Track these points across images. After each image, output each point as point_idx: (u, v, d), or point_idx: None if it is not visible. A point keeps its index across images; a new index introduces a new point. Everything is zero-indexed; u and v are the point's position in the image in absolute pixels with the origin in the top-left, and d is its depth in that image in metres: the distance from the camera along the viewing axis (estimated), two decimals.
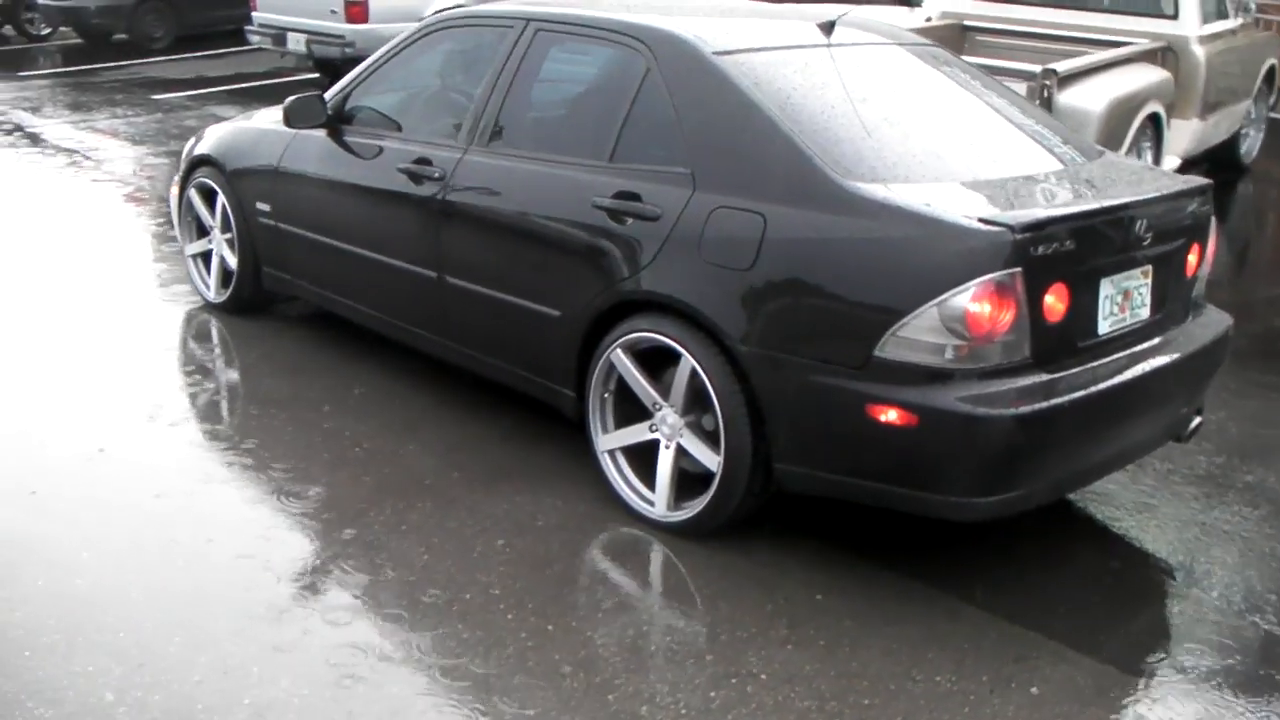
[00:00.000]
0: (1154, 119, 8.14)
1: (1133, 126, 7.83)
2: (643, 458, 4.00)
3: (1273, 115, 11.39)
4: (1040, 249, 3.35)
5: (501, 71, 4.50)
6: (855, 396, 3.41)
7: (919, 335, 3.31)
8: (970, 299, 3.26)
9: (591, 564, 3.73)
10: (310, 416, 4.69)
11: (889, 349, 3.35)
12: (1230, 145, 10.05)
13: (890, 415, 3.36)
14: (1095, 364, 3.59)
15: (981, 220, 3.34)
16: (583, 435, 4.15)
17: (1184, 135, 8.75)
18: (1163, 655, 3.38)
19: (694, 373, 3.72)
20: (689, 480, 3.88)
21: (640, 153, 3.99)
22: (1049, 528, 3.97)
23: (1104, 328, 3.65)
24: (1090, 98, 7.47)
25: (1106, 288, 3.63)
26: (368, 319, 5.13)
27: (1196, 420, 4.12)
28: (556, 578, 3.60)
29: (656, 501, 3.91)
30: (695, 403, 3.81)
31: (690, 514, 3.83)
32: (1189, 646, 3.41)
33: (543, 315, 4.20)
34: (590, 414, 4.09)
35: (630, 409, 4.03)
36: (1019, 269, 3.30)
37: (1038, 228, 3.34)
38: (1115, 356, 3.67)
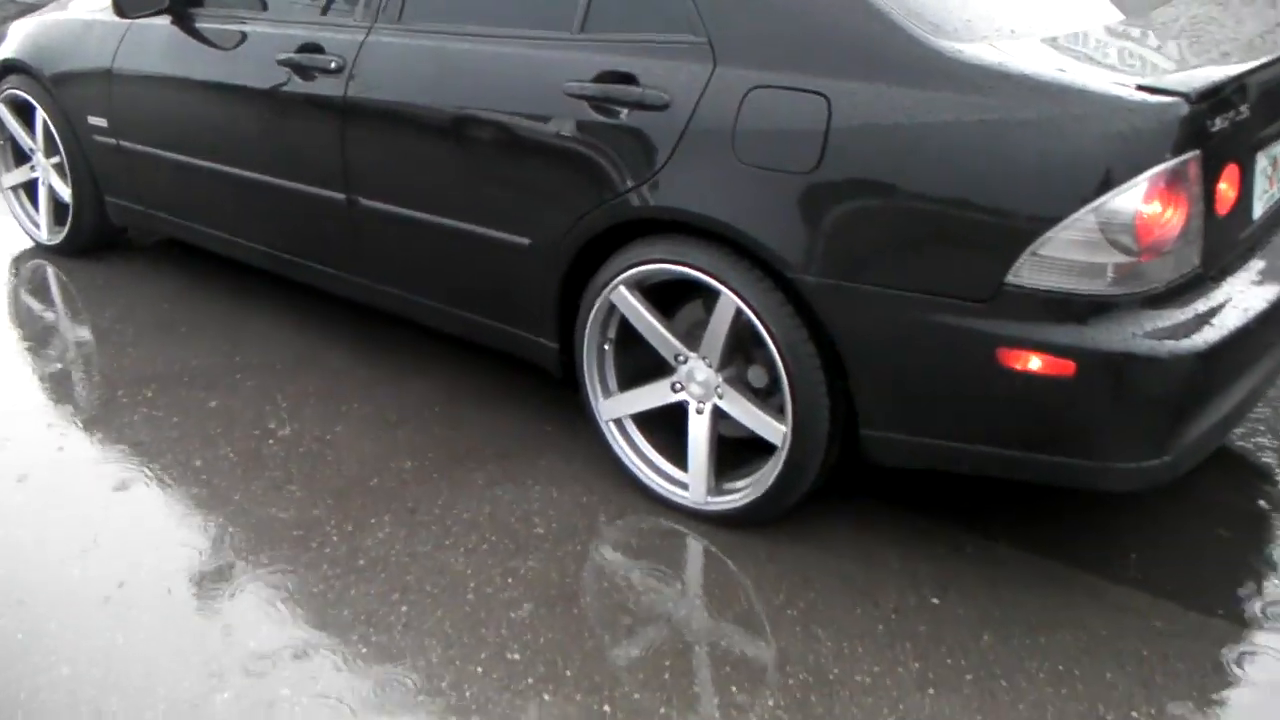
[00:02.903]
0: None
1: None
2: (660, 422, 3.07)
3: None
4: (1218, 122, 2.44)
5: None
6: (980, 339, 2.49)
7: (1070, 252, 2.40)
8: (1142, 198, 2.35)
9: (627, 590, 2.75)
10: (198, 396, 3.61)
11: (1026, 273, 2.42)
12: None
13: (1033, 363, 2.46)
14: (1261, 262, 2.74)
15: (1142, 89, 2.40)
16: (558, 390, 3.19)
17: None
18: None
19: (738, 315, 2.76)
20: (728, 446, 2.97)
21: (626, 18, 2.94)
22: None
23: (1258, 210, 2.79)
24: None
25: (1261, 160, 2.76)
26: (253, 255, 4.03)
27: None
28: (586, 621, 2.63)
29: (691, 484, 2.98)
30: (735, 351, 2.88)
31: (742, 500, 2.90)
32: None
33: (504, 244, 3.17)
34: (584, 372, 3.11)
35: (637, 360, 3.08)
36: (1197, 151, 2.40)
37: (1214, 93, 2.42)
38: (1273, 243, 2.84)
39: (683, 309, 3.06)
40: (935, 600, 2.70)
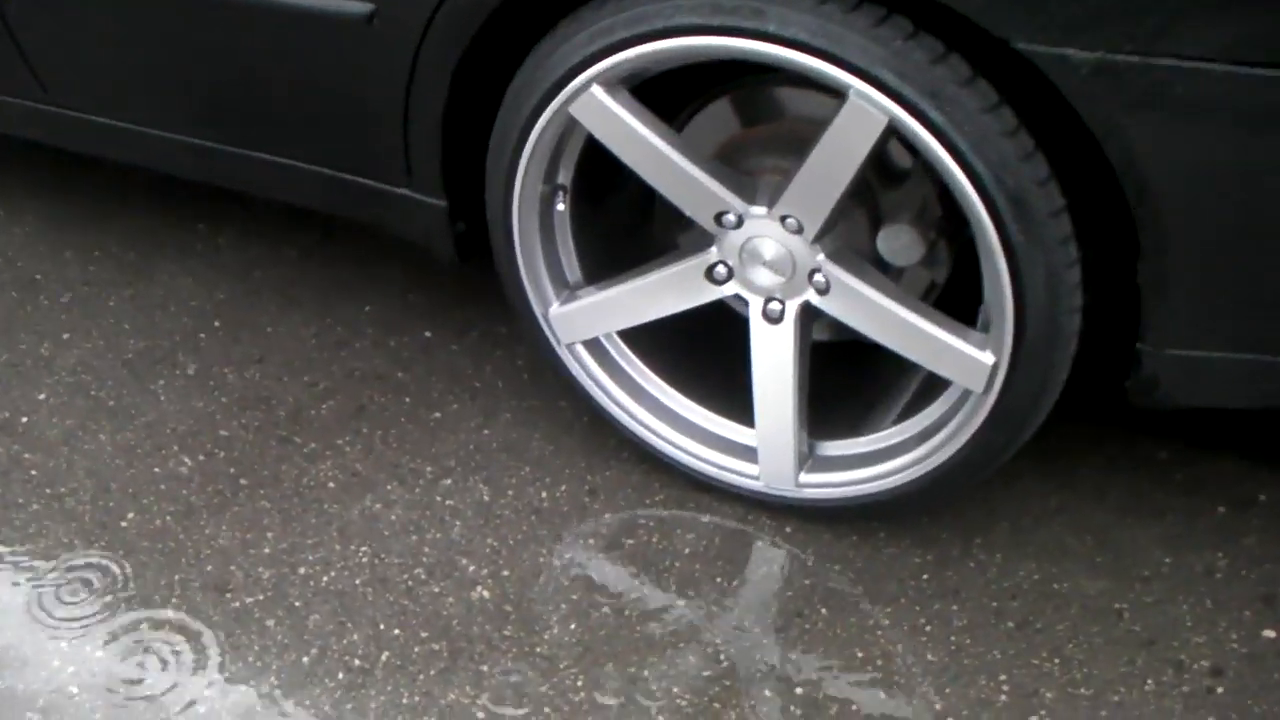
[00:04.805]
0: None
1: None
2: (655, 332, 1.63)
3: None
4: None
5: None
6: None
7: None
8: None
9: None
10: None
11: None
12: None
13: None
14: None
15: None
16: (427, 259, 1.75)
17: None
18: None
19: (887, 131, 1.30)
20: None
21: None
22: None
23: None
24: None
25: None
26: None
27: None
28: None
29: (765, 454, 1.57)
30: (859, 199, 1.46)
31: (880, 484, 1.52)
32: None
33: (316, 18, 1.58)
34: (513, 256, 1.61)
35: (606, 224, 1.63)
36: None
37: None
38: None
39: (696, 116, 1.59)
40: (1270, 632, 1.44)
